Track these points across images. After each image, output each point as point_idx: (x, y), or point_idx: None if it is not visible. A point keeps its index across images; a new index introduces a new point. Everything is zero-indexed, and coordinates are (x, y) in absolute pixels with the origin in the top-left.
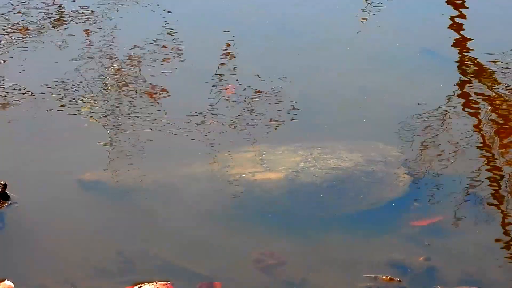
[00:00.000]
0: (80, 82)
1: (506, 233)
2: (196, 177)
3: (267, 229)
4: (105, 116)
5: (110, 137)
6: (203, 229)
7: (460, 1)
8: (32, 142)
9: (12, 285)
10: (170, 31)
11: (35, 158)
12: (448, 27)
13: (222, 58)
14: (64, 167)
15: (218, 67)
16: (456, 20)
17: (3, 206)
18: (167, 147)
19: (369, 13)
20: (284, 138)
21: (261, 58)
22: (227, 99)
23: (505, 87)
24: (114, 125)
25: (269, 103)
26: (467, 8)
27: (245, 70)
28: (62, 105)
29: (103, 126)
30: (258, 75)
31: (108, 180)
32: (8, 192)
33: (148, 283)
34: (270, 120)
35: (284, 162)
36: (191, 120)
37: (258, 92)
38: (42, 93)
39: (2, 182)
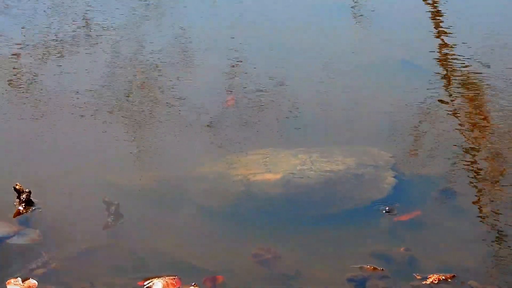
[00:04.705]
0: (106, 90)
1: (477, 225)
2: (204, 177)
3: (263, 225)
4: (127, 122)
5: (130, 142)
6: (206, 226)
7: (440, 16)
8: (54, 148)
9: (36, 283)
10: (185, 45)
11: (57, 163)
12: (429, 39)
13: (230, 70)
14: (85, 171)
15: (227, 78)
16: (436, 32)
17: (28, 211)
18: (181, 151)
19: (360, 24)
20: (289, 143)
21: (260, 70)
22: (236, 108)
23: (484, 93)
24: (134, 131)
25: (275, 111)
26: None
27: (250, 81)
28: (84, 114)
29: (124, 131)
30: (261, 86)
31: (125, 182)
32: (32, 199)
33: (157, 277)
34: (277, 126)
35: (284, 164)
36: (202, 127)
37: (265, 102)
38: (74, 101)
39: (27, 190)
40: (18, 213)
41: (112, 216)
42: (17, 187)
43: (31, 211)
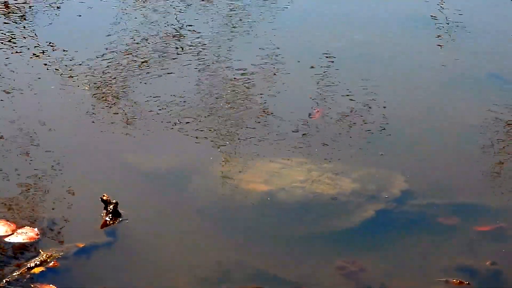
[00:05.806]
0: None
1: None
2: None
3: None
4: (216, 133)
5: (219, 152)
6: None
7: None
8: (140, 157)
9: None
10: (274, 56)
11: (143, 173)
12: None
13: (317, 82)
14: (169, 183)
15: (314, 90)
16: None
17: (115, 222)
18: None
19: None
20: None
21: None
22: (322, 120)
23: None
24: (221, 142)
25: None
26: None
27: (335, 93)
28: (175, 123)
29: (212, 143)
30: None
31: (215, 194)
32: (119, 210)
33: None
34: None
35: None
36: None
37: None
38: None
39: (114, 201)
40: (105, 224)
41: None
42: (104, 198)
43: (118, 222)
